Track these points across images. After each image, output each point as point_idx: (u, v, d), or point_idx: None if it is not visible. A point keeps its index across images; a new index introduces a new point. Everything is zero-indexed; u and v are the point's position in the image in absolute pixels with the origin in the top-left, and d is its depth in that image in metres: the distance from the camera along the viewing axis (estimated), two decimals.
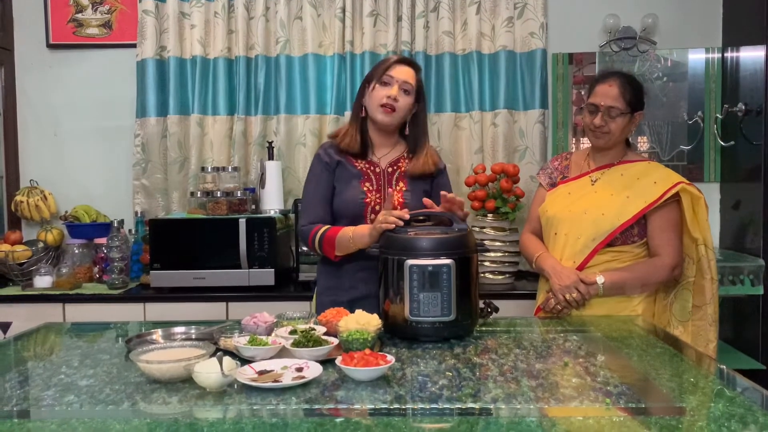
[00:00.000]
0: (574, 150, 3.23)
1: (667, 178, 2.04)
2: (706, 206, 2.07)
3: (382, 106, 1.99)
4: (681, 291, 2.08)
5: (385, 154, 2.09)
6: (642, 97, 2.10)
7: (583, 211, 2.06)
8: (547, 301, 2.05)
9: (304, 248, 2.87)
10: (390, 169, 2.06)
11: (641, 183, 2.05)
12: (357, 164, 2.06)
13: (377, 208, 2.01)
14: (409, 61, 2.06)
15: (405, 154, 2.09)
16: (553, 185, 2.21)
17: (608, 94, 2.04)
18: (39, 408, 1.26)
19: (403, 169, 2.06)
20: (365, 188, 2.03)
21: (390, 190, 1.95)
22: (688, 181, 2.04)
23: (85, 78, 3.32)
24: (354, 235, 1.93)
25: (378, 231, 1.80)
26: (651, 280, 2.03)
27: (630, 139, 2.24)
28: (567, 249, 2.08)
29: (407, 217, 1.78)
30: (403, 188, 2.04)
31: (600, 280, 1.98)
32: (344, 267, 2.01)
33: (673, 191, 2.00)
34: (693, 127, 3.23)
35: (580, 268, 2.05)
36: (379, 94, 1.99)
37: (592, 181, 2.12)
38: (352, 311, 1.65)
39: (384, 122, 2.02)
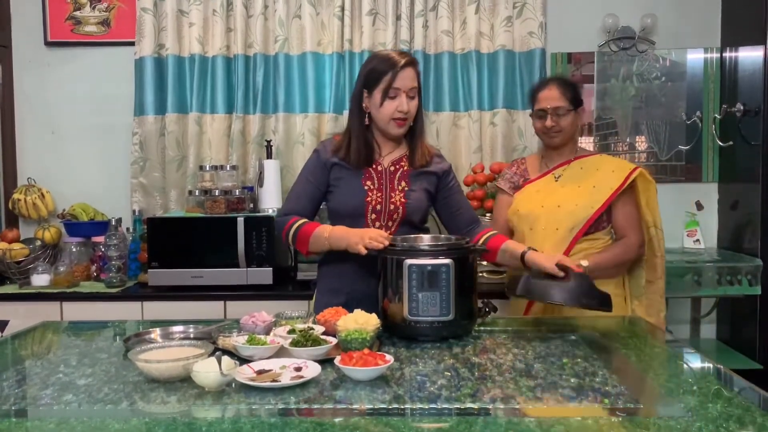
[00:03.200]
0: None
1: (623, 166, 2.24)
2: (656, 190, 2.25)
3: (394, 120, 1.95)
4: (635, 269, 2.28)
5: (389, 153, 2.04)
6: (579, 94, 2.29)
7: (556, 204, 2.22)
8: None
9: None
10: (392, 168, 2.02)
11: (601, 173, 2.24)
12: None
13: (378, 207, 1.98)
14: (409, 62, 1.95)
15: (407, 153, 2.05)
16: (516, 188, 2.36)
17: (551, 96, 2.24)
18: (37, 407, 1.26)
19: (405, 168, 2.02)
20: (366, 186, 1.99)
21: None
22: (640, 167, 2.24)
23: (83, 76, 3.31)
24: (330, 237, 1.90)
25: (360, 246, 1.80)
26: (625, 259, 2.23)
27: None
28: (548, 241, 2.20)
29: (386, 243, 1.78)
30: (405, 188, 2.00)
31: (584, 263, 2.05)
32: (345, 267, 2.00)
33: (634, 175, 2.19)
34: (691, 127, 3.23)
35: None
36: (388, 110, 1.93)
37: (555, 177, 2.29)
38: (351, 311, 1.64)
39: (398, 134, 1.99)
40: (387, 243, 1.78)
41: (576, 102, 2.26)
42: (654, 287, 2.28)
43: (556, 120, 2.23)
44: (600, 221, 2.22)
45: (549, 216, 2.22)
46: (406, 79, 1.93)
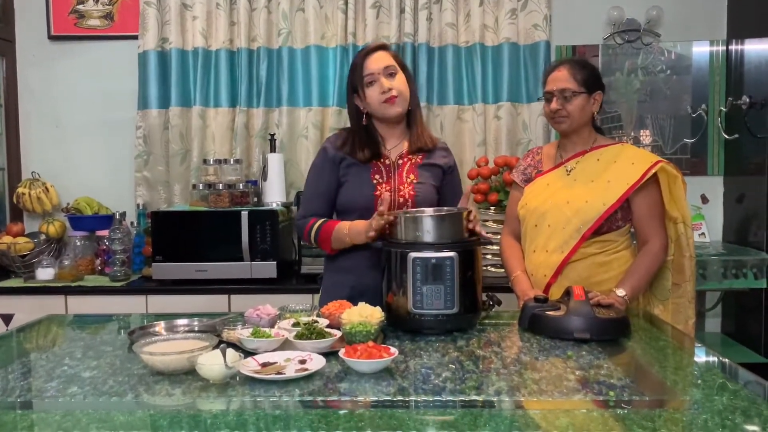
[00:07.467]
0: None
1: (645, 158, 2.03)
2: (684, 184, 2.04)
3: (385, 102, 1.96)
4: (660, 270, 2.06)
5: (395, 146, 2.05)
6: (597, 78, 2.09)
7: (565, 201, 2.04)
8: None
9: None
10: (400, 161, 2.02)
11: (619, 165, 2.03)
12: None
13: None
14: (376, 47, 2.02)
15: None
16: (529, 181, 2.19)
17: (559, 78, 2.05)
18: (42, 399, 1.26)
19: (412, 160, 2.03)
20: (375, 180, 1.99)
21: (386, 193, 1.89)
22: (665, 160, 2.02)
23: (86, 70, 3.31)
24: (350, 232, 1.92)
25: (375, 233, 1.82)
26: (655, 270, 2.03)
27: (600, 123, 2.21)
28: (553, 239, 2.04)
29: (391, 219, 1.78)
30: (414, 180, 2.00)
31: (620, 293, 1.92)
32: (351, 262, 2.00)
33: (654, 170, 1.98)
34: (697, 120, 3.22)
35: (568, 257, 2.02)
36: (374, 96, 1.97)
37: (567, 171, 2.10)
38: (356, 305, 1.64)
39: (396, 113, 1.99)
40: (389, 219, 1.77)
41: (589, 85, 2.04)
42: (681, 291, 2.05)
43: (562, 103, 2.02)
44: (613, 220, 2.01)
45: (557, 212, 2.04)
46: (376, 61, 1.98)
